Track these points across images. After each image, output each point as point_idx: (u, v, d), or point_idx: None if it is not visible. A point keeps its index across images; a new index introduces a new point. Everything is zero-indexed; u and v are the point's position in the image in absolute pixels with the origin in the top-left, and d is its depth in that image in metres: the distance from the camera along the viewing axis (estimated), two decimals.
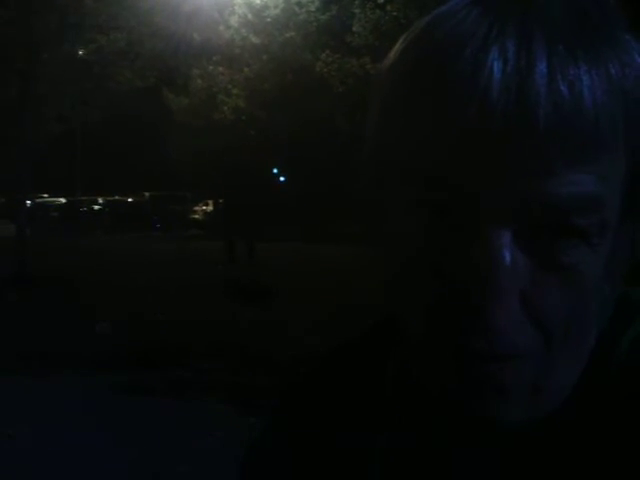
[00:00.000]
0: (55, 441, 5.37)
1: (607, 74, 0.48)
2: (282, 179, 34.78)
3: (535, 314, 0.50)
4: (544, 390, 0.53)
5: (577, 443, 0.55)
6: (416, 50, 0.52)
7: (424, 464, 0.60)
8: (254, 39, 25.08)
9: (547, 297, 0.50)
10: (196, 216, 36.35)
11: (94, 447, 5.26)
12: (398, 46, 0.55)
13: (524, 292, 0.49)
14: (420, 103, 0.51)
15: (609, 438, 0.54)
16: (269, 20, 25.22)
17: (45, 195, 40.98)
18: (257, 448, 0.72)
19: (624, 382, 0.55)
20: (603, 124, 0.47)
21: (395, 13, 20.07)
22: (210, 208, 36.52)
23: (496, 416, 0.52)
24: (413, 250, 0.53)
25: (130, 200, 38.23)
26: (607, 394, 0.55)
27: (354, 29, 22.62)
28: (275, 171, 34.44)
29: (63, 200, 37.66)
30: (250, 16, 24.96)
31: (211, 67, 25.69)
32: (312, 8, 25.51)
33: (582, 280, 0.50)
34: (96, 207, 37.18)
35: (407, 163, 0.52)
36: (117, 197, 39.27)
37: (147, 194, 37.34)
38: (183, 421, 5.84)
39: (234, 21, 24.45)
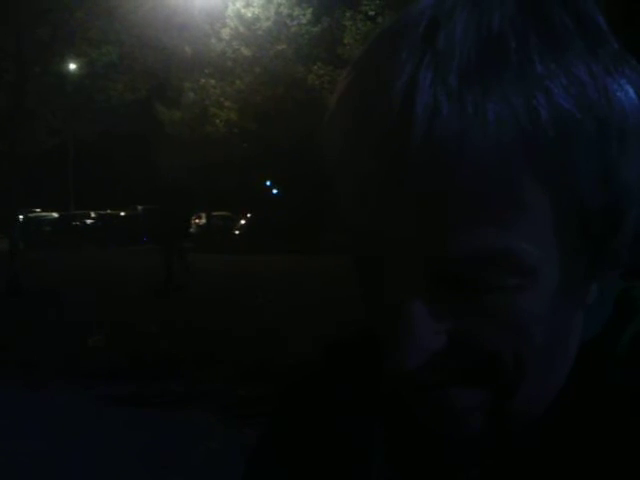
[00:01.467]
0: (49, 453, 5.33)
1: (513, 117, 0.45)
2: (275, 192, 34.84)
3: (467, 350, 0.50)
4: (507, 410, 0.52)
5: (574, 444, 0.54)
6: (340, 101, 0.51)
7: (422, 461, 0.60)
8: (246, 51, 25.16)
9: (479, 334, 0.49)
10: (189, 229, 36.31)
11: (89, 459, 5.22)
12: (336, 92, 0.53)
13: (450, 332, 0.49)
14: (338, 164, 0.51)
15: (608, 439, 0.53)
16: (260, 33, 25.31)
17: (38, 210, 40.92)
18: (259, 452, 0.72)
19: (625, 381, 0.54)
20: (498, 176, 0.45)
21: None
22: (203, 221, 36.56)
23: (454, 434, 0.53)
24: (359, 287, 0.54)
25: (123, 214, 38.18)
26: (606, 392, 0.54)
27: (345, 41, 22.73)
28: (268, 183, 34.50)
29: (56, 215, 37.62)
30: (241, 29, 25.04)
31: (203, 80, 25.73)
32: (303, 21, 25.67)
33: (522, 314, 0.49)
34: (89, 221, 37.13)
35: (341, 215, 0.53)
36: (110, 211, 39.22)
37: (140, 207, 37.29)
38: (179, 433, 5.81)
39: (225, 34, 24.52)
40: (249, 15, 25.26)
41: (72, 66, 19.28)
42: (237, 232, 34.06)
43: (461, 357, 0.50)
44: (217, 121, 26.77)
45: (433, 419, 0.53)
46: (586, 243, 0.49)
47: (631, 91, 0.48)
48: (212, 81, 25.59)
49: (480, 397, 0.51)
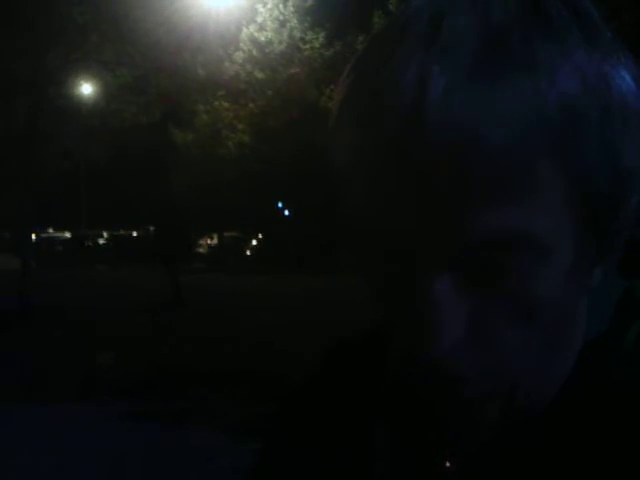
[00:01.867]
0: (57, 469, 5.31)
1: (524, 103, 0.46)
2: (287, 213, 34.84)
3: (487, 335, 0.51)
4: (512, 403, 0.53)
5: (577, 443, 0.54)
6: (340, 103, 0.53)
7: (425, 462, 0.60)
8: (259, 75, 25.28)
9: (499, 318, 0.50)
10: (200, 250, 36.46)
11: (98, 476, 5.20)
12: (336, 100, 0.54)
13: (472, 316, 0.50)
14: (350, 156, 0.52)
15: (611, 438, 0.53)
16: (273, 56, 25.46)
17: (50, 230, 41.11)
18: (263, 454, 0.74)
19: (630, 379, 0.55)
20: (513, 161, 0.46)
21: None
22: (215, 242, 36.65)
23: (461, 430, 0.54)
24: (375, 287, 0.55)
25: (135, 234, 38.31)
26: (611, 391, 0.55)
27: None
28: (280, 205, 34.52)
29: (68, 235, 37.79)
30: (255, 52, 25.19)
31: (216, 102, 25.86)
32: (316, 44, 25.80)
33: (537, 297, 0.50)
34: (101, 242, 37.27)
35: (353, 213, 0.53)
36: (122, 231, 39.35)
37: (152, 228, 37.39)
38: (187, 449, 5.79)
39: (239, 57, 24.64)
40: (262, 39, 25.42)
41: (86, 88, 19.44)
42: (248, 253, 34.13)
43: (480, 343, 0.51)
44: (230, 143, 26.88)
45: (443, 414, 0.54)
46: (593, 226, 0.51)
47: (628, 77, 0.50)
48: (225, 104, 25.72)
49: (490, 388, 0.52)
